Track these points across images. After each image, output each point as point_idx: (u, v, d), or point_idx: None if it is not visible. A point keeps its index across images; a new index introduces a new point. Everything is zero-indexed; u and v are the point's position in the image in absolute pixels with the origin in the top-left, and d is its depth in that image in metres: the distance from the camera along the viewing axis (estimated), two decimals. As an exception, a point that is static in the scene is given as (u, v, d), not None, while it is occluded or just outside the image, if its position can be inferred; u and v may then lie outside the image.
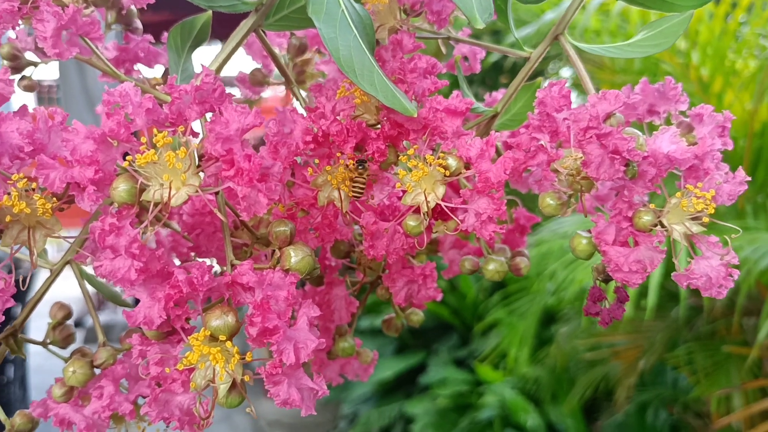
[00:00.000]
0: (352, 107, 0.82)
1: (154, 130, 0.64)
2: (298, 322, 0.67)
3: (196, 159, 0.66)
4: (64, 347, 0.97)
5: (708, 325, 3.49)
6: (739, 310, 2.86)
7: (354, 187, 0.82)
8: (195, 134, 0.69)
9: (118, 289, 1.01)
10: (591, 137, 0.73)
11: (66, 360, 0.94)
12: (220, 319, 0.66)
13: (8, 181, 0.65)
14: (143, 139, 0.64)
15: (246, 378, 0.67)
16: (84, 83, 4.94)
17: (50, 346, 0.97)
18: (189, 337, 0.66)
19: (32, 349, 0.97)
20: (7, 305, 0.68)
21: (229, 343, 0.66)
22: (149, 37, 1.01)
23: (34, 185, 0.66)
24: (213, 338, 0.66)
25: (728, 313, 3.21)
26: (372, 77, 0.74)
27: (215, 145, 0.63)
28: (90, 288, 0.89)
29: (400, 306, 1.06)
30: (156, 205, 0.65)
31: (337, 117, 0.81)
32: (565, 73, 5.46)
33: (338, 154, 0.81)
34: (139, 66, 1.03)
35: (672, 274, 0.81)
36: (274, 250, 0.84)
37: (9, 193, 0.65)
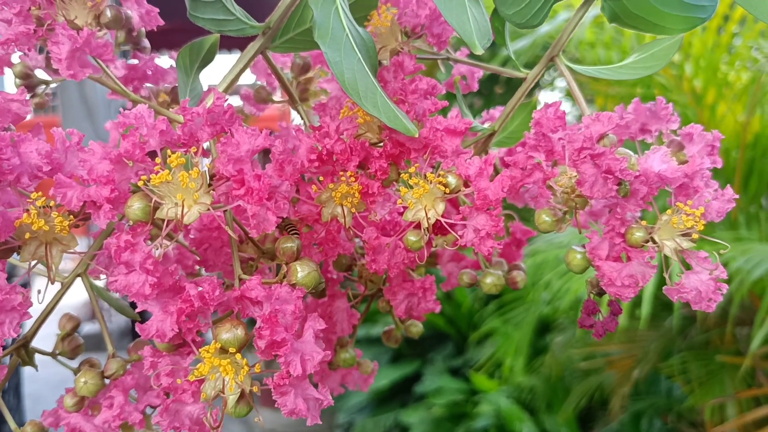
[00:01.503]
0: (355, 127, 0.85)
1: (168, 151, 0.67)
2: (304, 334, 0.69)
3: (208, 178, 0.69)
4: (72, 358, 1.00)
5: (701, 335, 3.53)
6: (732, 320, 2.90)
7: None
8: (206, 154, 0.72)
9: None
10: (585, 157, 0.77)
11: (75, 371, 0.97)
12: (230, 333, 0.69)
13: (27, 200, 0.68)
14: (158, 160, 0.67)
15: (255, 389, 0.70)
16: (82, 92, 4.96)
17: (59, 357, 1.00)
18: (200, 350, 0.68)
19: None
20: (24, 319, 0.71)
21: (238, 356, 0.68)
22: (157, 55, 1.04)
23: (51, 203, 0.69)
24: (223, 350, 0.69)
25: (721, 323, 3.25)
26: (375, 99, 0.78)
27: (227, 165, 0.65)
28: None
29: (400, 318, 1.09)
30: (169, 222, 0.67)
31: (341, 136, 0.84)
32: (560, 83, 5.52)
33: (341, 172, 0.84)
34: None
35: (663, 288, 0.84)
36: (279, 265, 0.87)
37: (28, 211, 0.68)
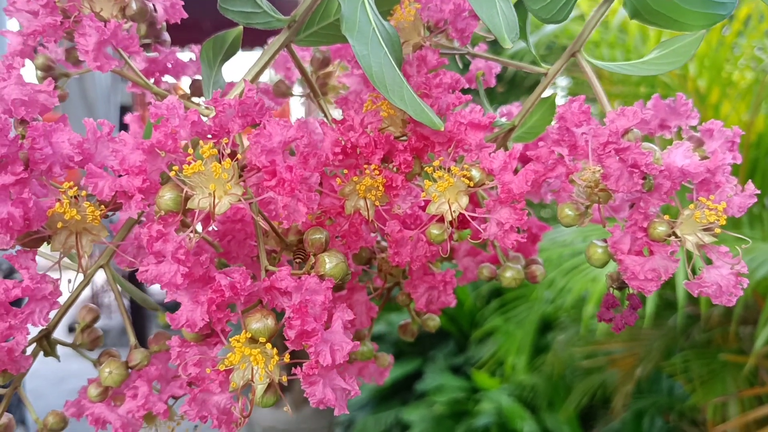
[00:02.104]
0: (379, 120, 0.86)
1: (200, 142, 0.68)
2: (333, 325, 0.70)
3: (239, 170, 0.69)
4: (91, 349, 1.00)
5: (704, 334, 3.54)
6: (736, 319, 2.91)
7: None
8: (235, 145, 0.73)
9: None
10: (610, 151, 0.77)
11: (95, 363, 0.98)
12: (260, 322, 0.69)
13: (59, 189, 0.69)
14: (190, 150, 0.67)
15: (283, 378, 0.70)
16: (82, 89, 4.97)
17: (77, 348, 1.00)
18: (231, 339, 0.69)
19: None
20: (54, 308, 0.71)
21: (268, 345, 0.69)
22: (177, 49, 1.05)
23: (83, 193, 0.70)
24: (253, 340, 0.69)
25: (724, 322, 3.26)
26: (402, 92, 0.78)
27: (260, 156, 0.66)
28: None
29: (417, 311, 1.09)
30: (200, 213, 0.68)
31: (366, 129, 0.85)
32: (561, 82, 5.53)
33: (365, 165, 0.84)
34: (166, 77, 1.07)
35: (684, 282, 0.85)
36: (299, 259, 0.88)
37: (60, 201, 0.68)
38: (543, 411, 4.45)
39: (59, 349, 0.97)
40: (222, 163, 0.67)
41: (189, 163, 0.67)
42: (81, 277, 0.84)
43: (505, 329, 4.44)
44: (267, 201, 0.87)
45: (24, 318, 0.70)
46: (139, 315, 6.81)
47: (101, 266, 0.88)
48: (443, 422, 4.76)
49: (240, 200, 0.68)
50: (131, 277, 1.15)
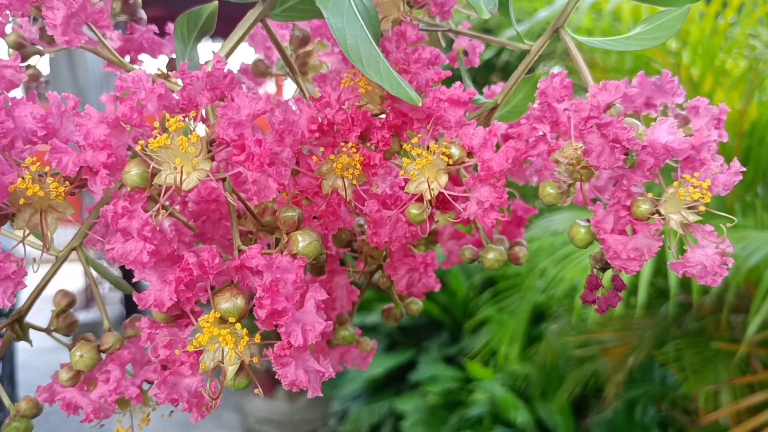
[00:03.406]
0: (356, 97, 0.84)
1: (166, 116, 0.66)
2: (305, 304, 0.68)
3: (207, 144, 0.67)
4: (67, 334, 0.98)
5: (696, 323, 3.53)
6: (728, 307, 2.90)
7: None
8: (204, 120, 0.70)
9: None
10: (591, 127, 0.75)
11: (70, 347, 0.95)
12: (229, 302, 0.67)
13: (22, 165, 0.66)
14: (156, 124, 0.65)
15: (254, 360, 0.68)
16: (74, 77, 4.92)
17: (54, 334, 0.98)
18: (199, 319, 0.67)
19: (20, 346, 0.97)
20: (19, 288, 0.69)
21: (238, 325, 0.67)
22: (153, 27, 1.02)
23: (47, 169, 0.67)
24: (222, 320, 0.67)
25: (717, 310, 3.25)
26: (378, 66, 0.76)
27: (227, 129, 0.64)
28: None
29: (400, 295, 1.08)
30: (167, 189, 0.66)
31: (342, 106, 0.82)
32: (556, 71, 5.50)
33: (342, 143, 0.82)
34: (143, 56, 1.04)
35: (668, 262, 0.83)
36: (278, 239, 0.86)
37: (23, 177, 0.66)
38: (536, 400, 4.44)
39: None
40: (189, 137, 0.65)
41: (155, 137, 0.65)
42: (47, 257, 0.82)
43: (498, 319, 4.43)
44: (242, 180, 0.85)
45: (-14, 298, 0.67)
46: (134, 304, 6.78)
47: (74, 248, 0.86)
48: (437, 412, 4.76)
49: (208, 176, 0.66)
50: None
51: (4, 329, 0.86)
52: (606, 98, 0.76)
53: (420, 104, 0.77)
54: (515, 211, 1.13)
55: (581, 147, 0.79)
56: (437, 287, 0.99)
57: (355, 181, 0.83)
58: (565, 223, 3.43)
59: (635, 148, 0.74)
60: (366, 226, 0.88)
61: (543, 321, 4.45)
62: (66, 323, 0.97)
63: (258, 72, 1.08)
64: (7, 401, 0.91)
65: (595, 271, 0.89)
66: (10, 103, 0.67)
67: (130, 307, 7.35)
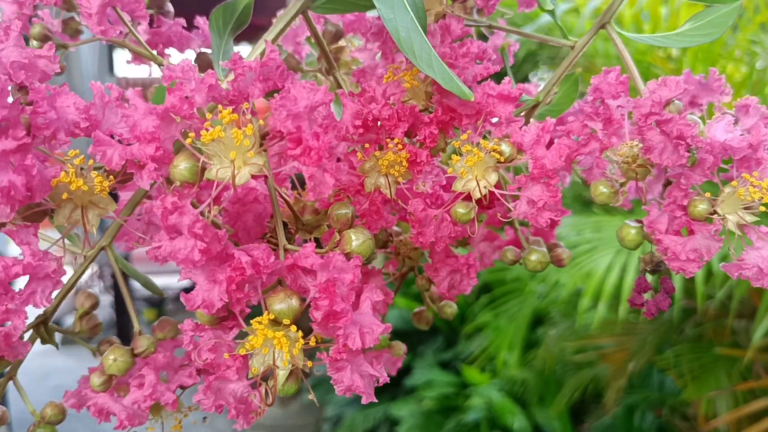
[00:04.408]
0: (402, 91, 0.81)
1: (219, 107, 0.62)
2: (361, 306, 0.65)
3: (260, 138, 0.64)
4: (90, 337, 0.94)
5: (696, 328, 3.52)
6: (734, 314, 2.89)
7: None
8: (253, 113, 0.67)
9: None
10: (651, 124, 0.73)
11: (94, 351, 0.92)
12: (284, 303, 0.64)
13: (65, 158, 0.63)
14: (208, 116, 0.62)
15: (309, 364, 0.65)
16: (70, 81, 4.87)
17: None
18: (252, 321, 0.64)
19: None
20: (57, 287, 0.66)
21: (293, 327, 0.63)
22: (181, 21, 0.99)
23: (90, 162, 0.64)
24: (275, 322, 0.64)
25: (720, 316, 3.24)
26: (430, 60, 0.73)
27: (285, 122, 0.61)
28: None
29: (431, 297, 1.05)
30: (218, 184, 0.63)
31: (388, 101, 0.79)
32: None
33: (387, 140, 0.79)
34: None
35: (721, 264, 0.80)
36: (317, 238, 0.83)
37: (66, 171, 0.62)
38: (534, 406, 4.42)
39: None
40: (244, 129, 0.61)
41: (207, 130, 0.61)
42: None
43: (495, 324, 4.40)
44: (282, 177, 0.82)
45: (25, 298, 0.64)
46: (123, 311, 6.68)
47: (103, 247, 0.82)
48: (433, 417, 4.73)
49: (262, 170, 0.63)
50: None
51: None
52: (666, 94, 0.73)
53: (472, 99, 0.74)
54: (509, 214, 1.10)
55: (637, 145, 0.77)
56: (468, 291, 0.96)
57: (400, 179, 0.80)
58: (566, 228, 3.42)
59: (698, 146, 0.72)
60: (407, 226, 0.85)
61: (540, 326, 4.43)
62: (90, 325, 0.93)
63: (289, 67, 1.05)
64: (30, 407, 0.87)
65: (644, 273, 0.86)
66: (51, 93, 0.63)
67: (119, 312, 7.27)
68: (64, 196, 0.63)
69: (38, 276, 0.64)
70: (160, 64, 0.88)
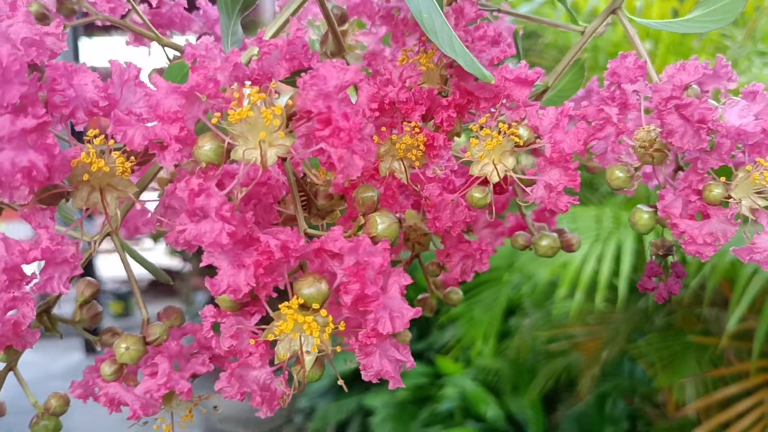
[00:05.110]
0: (419, 74, 0.80)
1: (246, 86, 0.61)
2: (389, 290, 0.64)
3: (286, 118, 0.62)
4: (91, 327, 0.92)
5: (666, 317, 3.58)
6: (707, 302, 2.94)
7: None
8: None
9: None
10: (671, 108, 0.73)
11: (96, 340, 0.89)
12: (313, 287, 0.62)
13: (84, 138, 0.60)
14: (236, 95, 0.60)
15: (338, 349, 0.64)
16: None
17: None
18: (280, 306, 0.62)
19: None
20: (75, 273, 0.63)
21: (323, 312, 0.62)
22: (183, 2, 0.96)
23: (111, 142, 0.62)
24: (304, 307, 0.63)
25: (693, 304, 3.30)
26: (451, 42, 0.72)
27: (316, 101, 0.59)
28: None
29: (435, 284, 1.04)
30: (245, 166, 0.61)
31: (404, 84, 0.78)
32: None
33: (405, 123, 0.78)
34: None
35: (731, 248, 0.81)
36: (329, 223, 0.81)
37: (87, 151, 0.60)
38: (507, 395, 4.46)
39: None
40: (272, 109, 0.60)
41: (234, 109, 0.60)
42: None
43: (469, 315, 4.42)
44: (296, 161, 0.80)
45: (42, 284, 0.61)
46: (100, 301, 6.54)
47: (108, 234, 0.80)
48: (406, 408, 4.74)
49: (290, 152, 0.61)
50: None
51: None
52: (686, 78, 0.74)
53: (493, 81, 0.73)
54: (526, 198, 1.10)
55: (654, 129, 0.77)
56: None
57: (417, 163, 0.79)
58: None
59: (719, 129, 0.72)
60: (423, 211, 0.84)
61: (512, 316, 4.46)
62: (90, 314, 0.90)
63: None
64: (32, 399, 0.84)
65: (655, 258, 0.87)
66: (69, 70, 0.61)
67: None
68: (85, 177, 0.61)
69: (56, 261, 0.61)
70: (164, 45, 0.86)
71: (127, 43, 0.98)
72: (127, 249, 0.83)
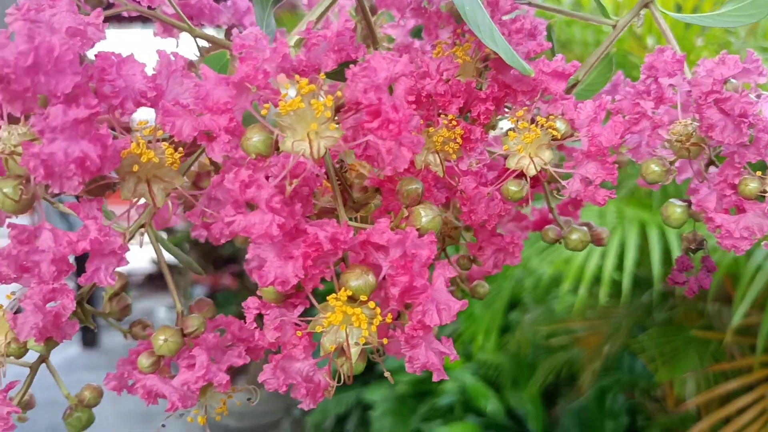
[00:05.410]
0: (456, 67, 0.80)
1: (296, 77, 0.60)
2: (435, 282, 0.64)
3: (335, 110, 0.62)
4: (120, 319, 0.92)
5: (668, 312, 3.60)
6: (711, 297, 2.96)
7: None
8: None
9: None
10: (710, 102, 0.73)
11: (125, 332, 0.89)
12: (360, 279, 0.62)
13: (134, 129, 0.60)
14: (287, 86, 0.60)
15: (384, 341, 0.64)
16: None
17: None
18: (328, 298, 0.62)
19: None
20: (122, 265, 0.63)
21: (371, 304, 0.62)
22: (211, -8, 0.96)
23: (160, 133, 0.61)
24: (352, 299, 0.63)
25: (696, 300, 3.31)
26: (492, 34, 0.72)
27: (368, 93, 0.59)
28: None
29: (461, 278, 1.04)
30: (295, 157, 0.61)
31: (442, 77, 0.78)
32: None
33: (441, 116, 0.78)
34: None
35: (764, 243, 0.81)
36: (363, 215, 0.81)
37: (137, 142, 0.60)
38: (507, 389, 4.47)
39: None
40: (324, 100, 0.60)
41: (284, 101, 0.59)
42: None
43: (470, 311, 4.42)
44: (334, 153, 0.80)
45: (89, 275, 0.61)
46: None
47: (142, 225, 0.79)
48: (406, 402, 4.74)
49: (340, 143, 0.61)
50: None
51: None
52: (725, 72, 0.74)
53: (533, 75, 0.73)
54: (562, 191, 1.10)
55: (692, 123, 0.77)
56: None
57: (453, 156, 0.79)
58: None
59: (759, 124, 0.72)
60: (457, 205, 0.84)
61: (512, 311, 4.47)
62: (120, 306, 0.90)
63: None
64: (64, 390, 0.84)
65: (686, 252, 0.87)
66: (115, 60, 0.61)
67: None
68: (135, 168, 0.60)
69: (103, 252, 0.61)
70: (196, 36, 0.85)
71: (155, 35, 0.97)
72: (161, 241, 0.82)
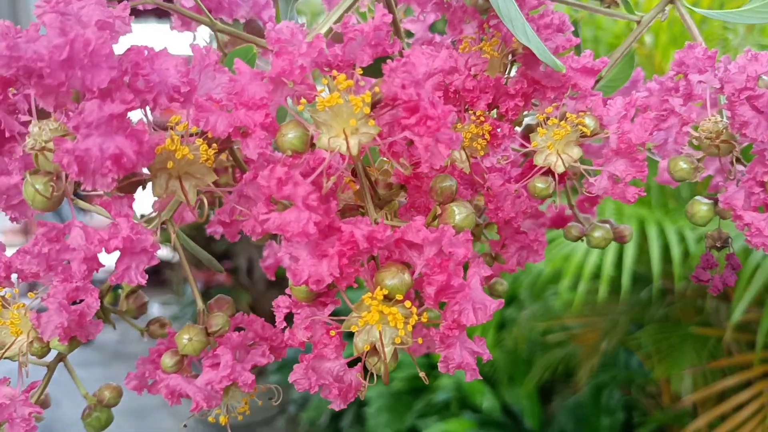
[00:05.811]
0: (484, 63, 0.79)
1: (333, 72, 0.59)
2: (470, 281, 0.63)
3: (371, 106, 0.61)
4: (136, 317, 0.90)
5: (665, 308, 3.61)
6: (710, 294, 2.96)
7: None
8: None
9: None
10: (743, 99, 0.72)
11: (142, 331, 0.88)
12: (396, 278, 0.61)
13: (168, 124, 0.59)
14: (324, 81, 0.59)
15: (419, 341, 0.63)
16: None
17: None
18: (364, 297, 0.61)
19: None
20: (152, 263, 0.62)
21: (407, 303, 0.61)
22: (229, -14, 0.94)
23: (194, 129, 0.60)
24: (387, 298, 0.62)
25: (695, 296, 3.32)
26: (524, 29, 0.71)
27: (408, 88, 0.58)
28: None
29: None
30: (332, 154, 0.60)
31: (470, 72, 0.77)
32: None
33: (470, 112, 0.77)
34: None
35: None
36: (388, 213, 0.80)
37: (171, 138, 0.58)
38: (503, 386, 4.47)
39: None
40: (362, 96, 0.59)
41: (322, 96, 0.58)
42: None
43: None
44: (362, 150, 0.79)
45: (120, 274, 0.60)
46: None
47: (164, 222, 0.78)
48: (402, 398, 4.74)
49: (376, 140, 0.60)
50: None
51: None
52: (759, 69, 0.73)
53: (564, 70, 0.72)
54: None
55: (721, 120, 0.77)
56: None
57: (481, 152, 0.78)
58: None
59: (792, 122, 0.72)
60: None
61: (509, 307, 4.47)
62: (137, 304, 0.89)
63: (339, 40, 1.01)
64: (82, 390, 0.83)
65: (711, 250, 0.87)
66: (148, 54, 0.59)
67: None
68: (170, 164, 0.59)
69: (134, 250, 0.60)
70: (218, 31, 0.84)
71: (172, 28, 0.96)
72: (182, 238, 0.81)
